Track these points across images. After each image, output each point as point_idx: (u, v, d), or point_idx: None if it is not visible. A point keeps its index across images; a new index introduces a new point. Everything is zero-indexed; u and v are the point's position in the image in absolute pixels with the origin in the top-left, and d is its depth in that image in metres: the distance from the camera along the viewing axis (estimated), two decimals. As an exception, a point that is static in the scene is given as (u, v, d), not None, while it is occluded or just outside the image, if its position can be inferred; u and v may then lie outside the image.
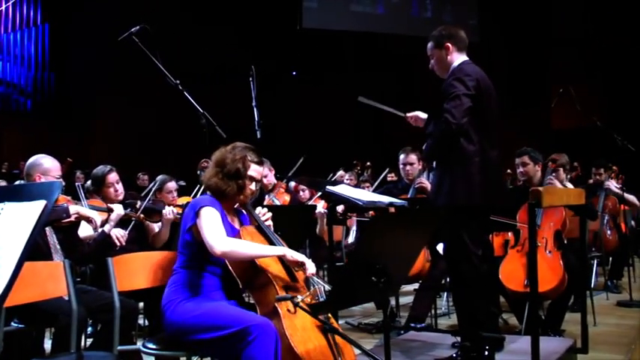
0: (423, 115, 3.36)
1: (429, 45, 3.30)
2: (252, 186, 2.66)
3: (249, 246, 2.45)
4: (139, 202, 3.84)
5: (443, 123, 3.00)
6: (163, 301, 2.51)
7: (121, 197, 3.90)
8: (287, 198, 5.20)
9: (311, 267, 2.48)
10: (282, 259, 2.53)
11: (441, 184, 3.13)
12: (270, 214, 2.82)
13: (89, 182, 4.75)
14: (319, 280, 2.59)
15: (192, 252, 2.54)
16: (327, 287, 2.51)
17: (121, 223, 3.77)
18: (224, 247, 2.40)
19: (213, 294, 2.50)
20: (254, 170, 2.65)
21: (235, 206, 2.72)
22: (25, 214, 1.50)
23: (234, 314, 2.33)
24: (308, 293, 2.50)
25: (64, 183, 3.88)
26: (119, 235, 3.64)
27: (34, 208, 1.49)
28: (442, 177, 3.13)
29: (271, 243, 2.62)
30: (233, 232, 2.57)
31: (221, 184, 2.60)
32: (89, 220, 3.31)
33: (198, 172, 6.02)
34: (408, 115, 3.36)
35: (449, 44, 3.21)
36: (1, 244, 1.48)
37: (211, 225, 2.46)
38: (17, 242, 1.47)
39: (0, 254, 1.46)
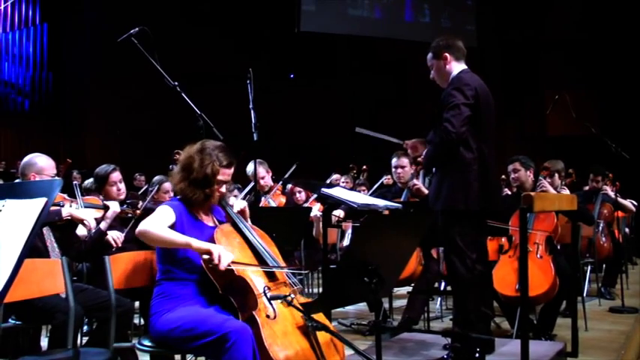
0: (423, 141, 3.42)
1: (429, 56, 3.37)
2: (222, 189, 2.60)
3: (161, 231, 2.40)
4: (140, 202, 3.87)
5: (442, 132, 3.06)
6: (149, 311, 2.53)
7: (122, 196, 3.92)
8: (283, 200, 5.24)
9: (224, 258, 2.31)
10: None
11: (440, 189, 3.19)
12: (244, 204, 2.76)
13: (87, 181, 4.78)
14: (295, 279, 2.60)
15: (168, 262, 2.53)
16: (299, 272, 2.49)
17: (122, 222, 3.79)
18: (140, 227, 2.42)
19: (193, 302, 2.48)
20: (223, 174, 2.55)
21: (211, 205, 2.67)
22: (26, 212, 1.52)
23: (213, 322, 2.32)
24: (292, 290, 2.51)
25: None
26: (115, 237, 3.65)
27: (35, 206, 1.52)
28: (441, 183, 3.19)
29: (247, 241, 2.58)
30: (206, 230, 2.55)
31: (188, 192, 2.53)
32: (83, 222, 3.32)
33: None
34: (407, 142, 3.43)
35: (447, 54, 3.28)
36: (2, 240, 1.51)
37: (153, 214, 2.49)
38: (18, 239, 1.49)
39: (0, 251, 1.49)
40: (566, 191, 4.89)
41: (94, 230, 3.53)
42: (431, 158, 3.26)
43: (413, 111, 11.37)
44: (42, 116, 14.17)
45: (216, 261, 2.31)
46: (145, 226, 2.43)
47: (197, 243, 2.38)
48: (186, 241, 2.39)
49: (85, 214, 3.34)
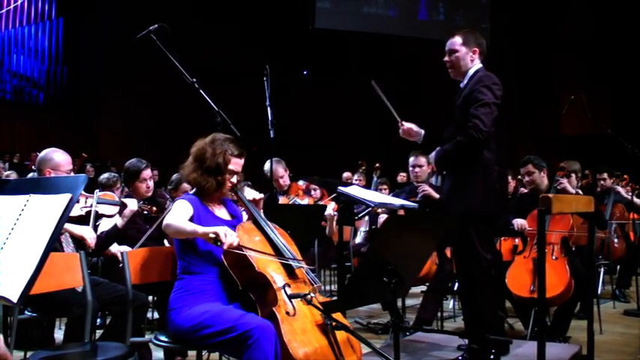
0: (417, 129, 3.35)
1: (458, 39, 3.25)
2: (233, 179, 2.63)
3: (177, 222, 2.44)
4: (168, 202, 3.87)
5: (473, 129, 2.98)
6: (169, 306, 2.54)
7: (149, 194, 3.92)
8: (308, 201, 5.22)
9: (230, 236, 2.29)
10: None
11: (457, 189, 3.12)
12: (260, 195, 2.81)
13: (103, 176, 4.79)
14: (314, 276, 2.61)
15: (188, 256, 2.54)
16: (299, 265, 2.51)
17: (145, 219, 3.79)
18: (165, 220, 2.47)
19: (214, 298, 2.50)
20: (234, 164, 2.61)
21: (223, 197, 2.70)
22: (51, 207, 1.54)
23: (236, 318, 2.33)
24: (312, 288, 2.52)
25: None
26: (123, 251, 3.61)
27: (60, 201, 1.53)
28: (459, 183, 3.12)
29: (268, 238, 2.60)
30: (223, 224, 2.53)
31: (200, 180, 2.58)
32: (82, 238, 3.27)
33: None
34: (404, 123, 3.35)
35: (477, 50, 3.23)
36: (27, 234, 1.52)
37: (172, 209, 2.53)
38: (42, 233, 1.51)
39: (25, 244, 1.50)
40: (580, 193, 4.85)
41: (94, 245, 3.44)
42: (450, 157, 3.14)
43: (425, 110, 11.33)
44: (56, 109, 14.29)
45: (223, 239, 2.28)
46: (167, 219, 2.48)
47: (202, 229, 2.38)
48: (193, 228, 2.40)
49: (84, 231, 3.27)
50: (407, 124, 3.37)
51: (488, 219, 3.12)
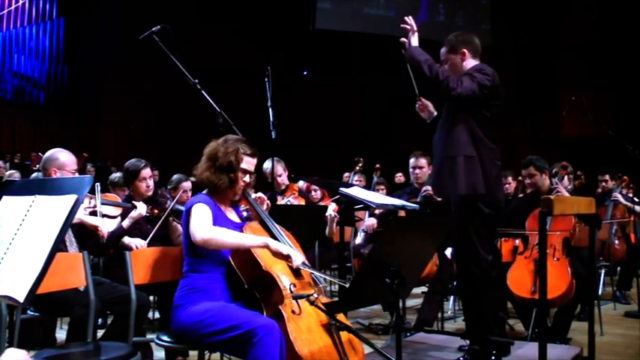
0: (432, 109, 3.41)
1: (443, 50, 3.27)
2: (246, 178, 2.65)
3: (230, 235, 2.45)
4: (168, 202, 3.88)
5: (456, 81, 2.98)
6: (173, 303, 2.55)
7: (150, 193, 3.92)
8: (303, 203, 5.23)
9: (297, 259, 2.44)
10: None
11: (457, 173, 3.08)
12: (267, 202, 2.83)
13: (115, 175, 4.79)
14: (320, 275, 2.62)
15: (195, 255, 2.55)
16: (327, 278, 2.52)
17: (147, 220, 3.79)
18: (204, 235, 2.41)
19: (219, 296, 2.51)
20: (247, 162, 2.64)
21: (235, 197, 2.71)
22: (56, 208, 1.54)
23: (241, 316, 2.34)
24: (317, 289, 2.54)
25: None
26: (139, 245, 3.64)
27: (66, 202, 1.54)
28: (456, 167, 3.09)
29: (274, 237, 2.61)
30: (231, 226, 2.58)
31: (213, 178, 2.59)
32: (96, 229, 3.30)
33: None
34: (422, 99, 3.40)
35: (465, 50, 3.21)
36: (33, 234, 1.53)
37: (197, 216, 2.49)
38: (48, 234, 1.52)
39: (32, 244, 1.51)
40: (567, 194, 4.84)
41: (106, 235, 3.47)
42: (423, 70, 3.07)
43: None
44: (57, 109, 14.30)
45: (294, 260, 2.42)
46: (207, 233, 2.43)
47: (275, 245, 2.45)
48: (264, 242, 2.45)
49: (99, 221, 3.30)
50: (424, 101, 3.42)
51: (488, 208, 3.10)
